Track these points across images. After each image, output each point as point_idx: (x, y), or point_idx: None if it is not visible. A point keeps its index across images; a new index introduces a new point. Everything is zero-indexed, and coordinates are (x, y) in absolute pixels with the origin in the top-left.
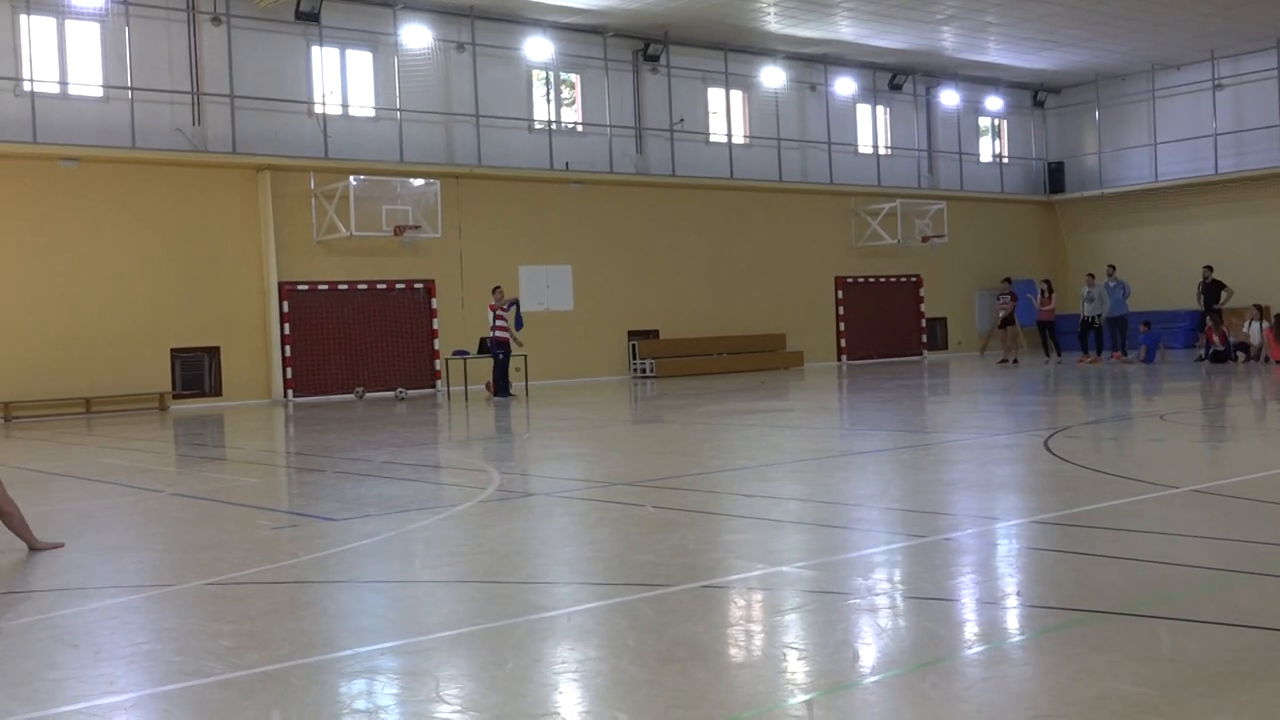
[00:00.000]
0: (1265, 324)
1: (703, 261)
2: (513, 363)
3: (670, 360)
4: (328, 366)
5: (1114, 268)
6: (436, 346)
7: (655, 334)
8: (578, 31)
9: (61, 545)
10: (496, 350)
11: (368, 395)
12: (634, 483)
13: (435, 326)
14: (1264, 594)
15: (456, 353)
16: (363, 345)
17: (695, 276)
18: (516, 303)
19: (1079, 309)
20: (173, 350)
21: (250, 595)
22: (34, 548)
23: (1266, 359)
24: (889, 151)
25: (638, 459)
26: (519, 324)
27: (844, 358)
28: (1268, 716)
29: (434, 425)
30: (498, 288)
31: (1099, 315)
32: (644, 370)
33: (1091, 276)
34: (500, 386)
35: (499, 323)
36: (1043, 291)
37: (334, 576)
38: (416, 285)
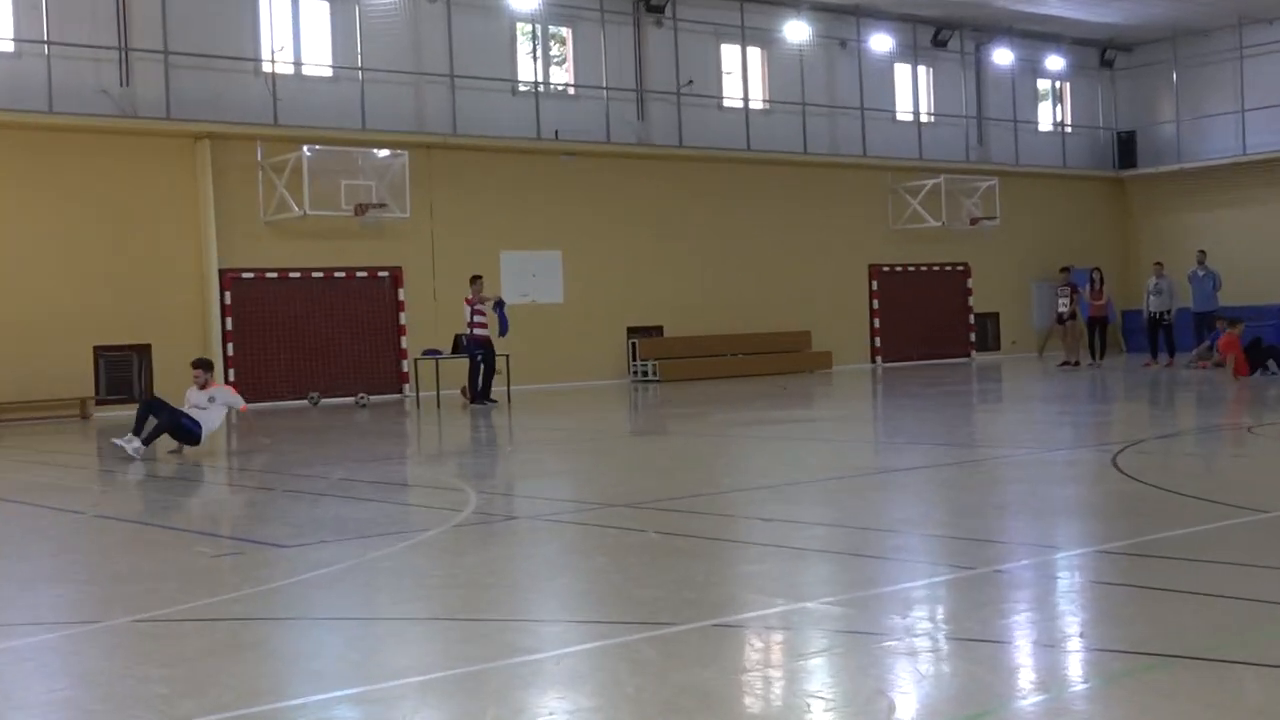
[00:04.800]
0: None
1: (714, 247)
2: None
3: (676, 362)
4: (276, 368)
5: (1204, 254)
6: (404, 345)
7: (659, 331)
8: None
9: None
10: (475, 350)
11: (323, 402)
12: (634, 504)
13: (403, 322)
14: None
15: (427, 352)
16: (318, 344)
17: (705, 264)
18: (501, 304)
19: (1143, 303)
20: (96, 349)
21: (186, 634)
22: None
23: None
24: (932, 119)
25: (638, 477)
26: (503, 328)
27: (879, 359)
28: None
29: (400, 436)
30: (477, 278)
31: (1168, 310)
32: (645, 373)
33: (1159, 265)
34: (479, 392)
35: (478, 318)
36: (1093, 282)
37: (283, 613)
38: (381, 274)
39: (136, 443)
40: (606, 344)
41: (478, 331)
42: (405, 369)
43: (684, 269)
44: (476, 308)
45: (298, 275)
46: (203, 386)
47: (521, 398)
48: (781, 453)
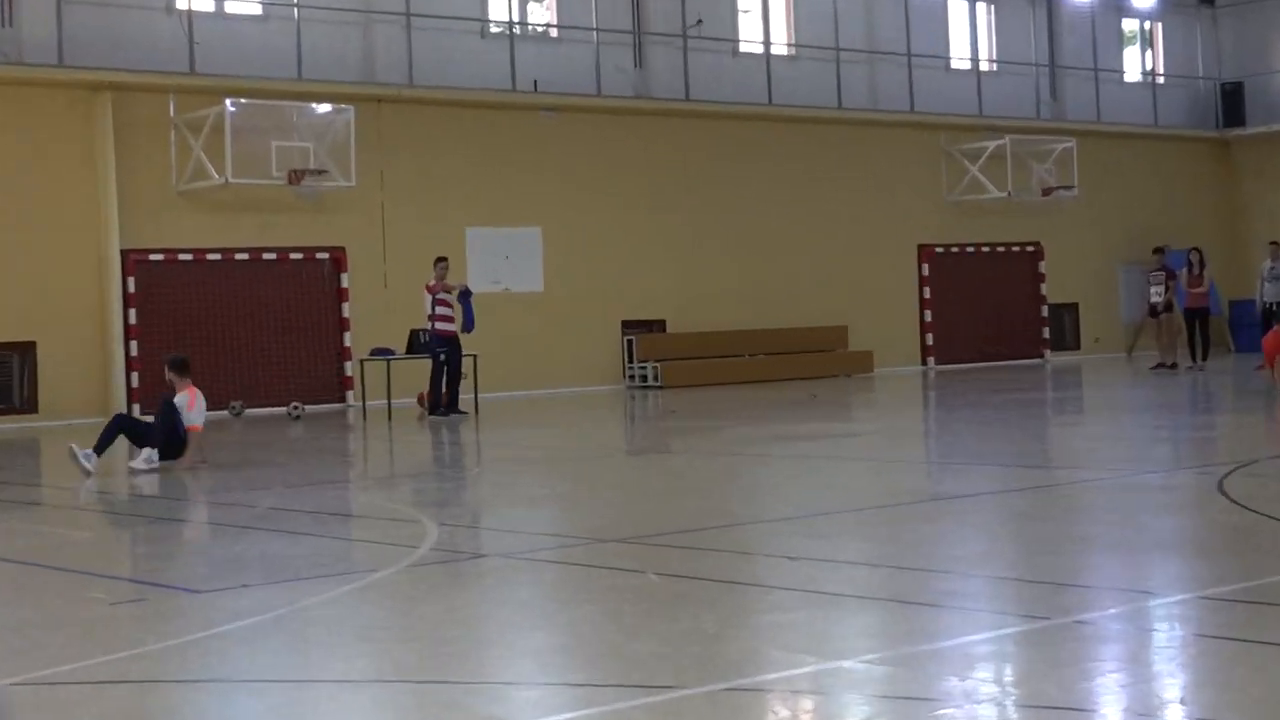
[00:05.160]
0: None
1: (729, 224)
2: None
3: (682, 364)
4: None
5: None
6: (348, 343)
7: (660, 326)
8: None
9: None
10: (437, 349)
11: (247, 412)
12: (629, 539)
13: (346, 314)
14: None
15: (376, 352)
16: (241, 342)
17: (718, 245)
18: (467, 293)
19: (1256, 292)
20: None
21: (77, 700)
22: None
23: None
24: (994, 68)
25: (635, 505)
26: (469, 323)
27: (931, 360)
28: None
29: (343, 455)
30: (441, 260)
31: None
32: (644, 378)
33: (1276, 245)
34: (441, 400)
35: (441, 309)
36: (1192, 265)
37: (197, 673)
38: (320, 255)
39: (148, 453)
40: (597, 342)
41: (440, 326)
42: (349, 372)
43: (692, 250)
44: (439, 297)
45: (217, 257)
46: (174, 391)
47: (493, 407)
48: (811, 475)
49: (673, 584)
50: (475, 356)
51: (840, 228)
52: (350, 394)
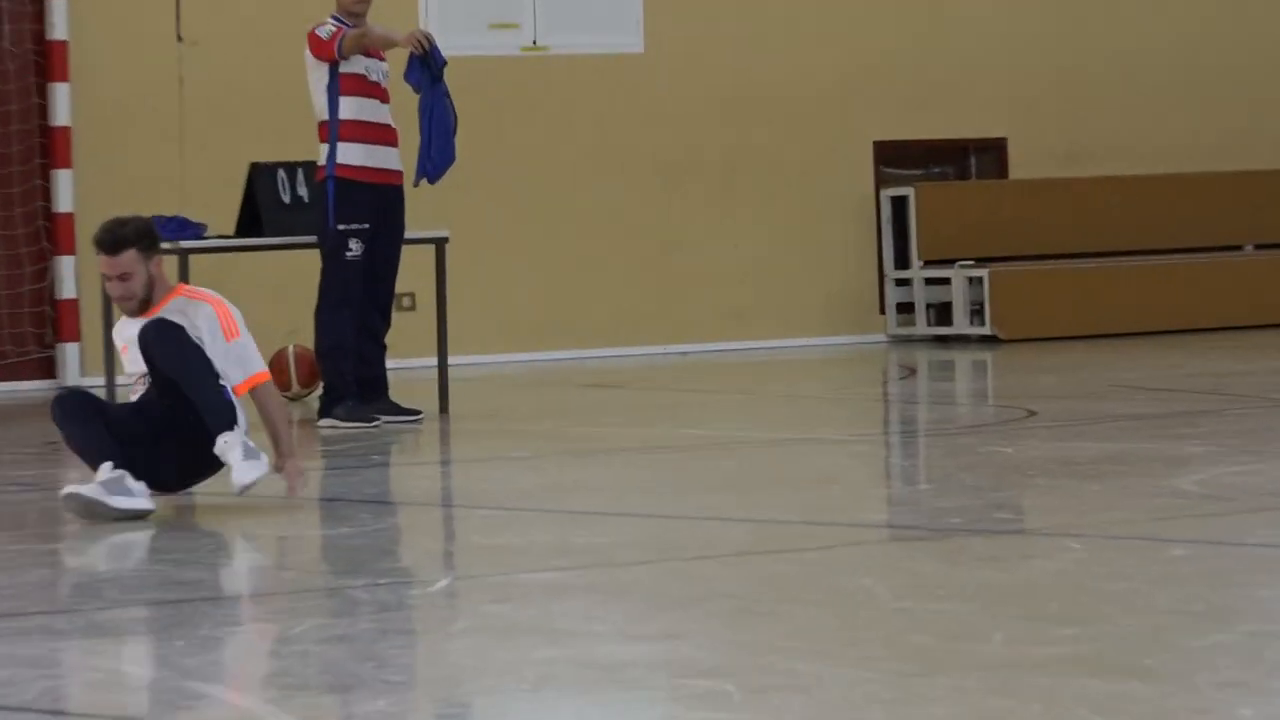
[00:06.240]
0: None
1: None
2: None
3: (1039, 271)
4: None
5: None
6: (65, 204)
7: (994, 158)
8: None
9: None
10: (340, 226)
11: None
12: None
13: (62, 120)
14: None
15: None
16: None
17: None
18: (433, 62)
19: None
20: None
21: None
22: None
23: None
24: None
25: (919, 695)
26: (439, 150)
27: None
28: None
29: (43, 535)
30: None
31: None
32: (942, 310)
33: None
34: (348, 380)
35: (356, 103)
36: None
37: None
38: None
39: (126, 494)
40: (804, 209)
41: (348, 157)
42: (64, 292)
43: None
44: (345, 70)
45: None
46: (143, 310)
47: (497, 392)
48: None
49: None
50: (441, 244)
51: None
52: (71, 349)
